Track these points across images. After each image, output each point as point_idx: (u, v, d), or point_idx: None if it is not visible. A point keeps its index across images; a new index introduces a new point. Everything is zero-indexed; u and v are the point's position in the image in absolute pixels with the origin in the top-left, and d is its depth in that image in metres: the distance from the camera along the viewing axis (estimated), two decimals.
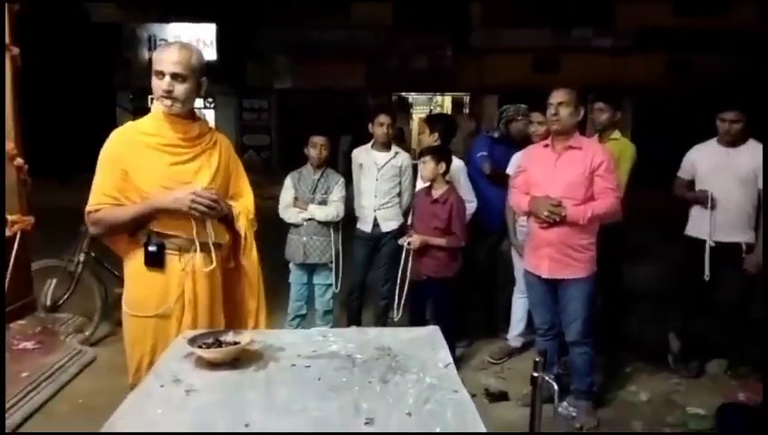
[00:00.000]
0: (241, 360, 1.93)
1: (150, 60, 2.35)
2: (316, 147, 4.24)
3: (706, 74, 14.93)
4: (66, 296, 4.45)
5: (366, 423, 1.53)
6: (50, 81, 12.86)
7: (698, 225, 3.97)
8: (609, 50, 17.50)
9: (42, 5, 11.92)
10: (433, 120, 4.65)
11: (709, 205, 3.86)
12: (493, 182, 4.42)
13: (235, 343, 1.97)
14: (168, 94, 2.26)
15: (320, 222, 4.23)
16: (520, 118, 4.46)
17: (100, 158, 2.28)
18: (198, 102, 16.10)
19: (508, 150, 4.44)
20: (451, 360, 1.92)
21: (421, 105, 19.55)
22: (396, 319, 4.14)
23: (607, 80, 16.04)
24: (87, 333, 4.34)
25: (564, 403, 3.65)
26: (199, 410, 1.62)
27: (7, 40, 2.31)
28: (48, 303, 4.34)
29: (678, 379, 4.03)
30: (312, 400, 1.67)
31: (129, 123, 2.39)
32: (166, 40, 17.25)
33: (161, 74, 2.26)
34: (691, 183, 4.08)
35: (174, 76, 2.26)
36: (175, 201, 2.24)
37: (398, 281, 4.08)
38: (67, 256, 4.48)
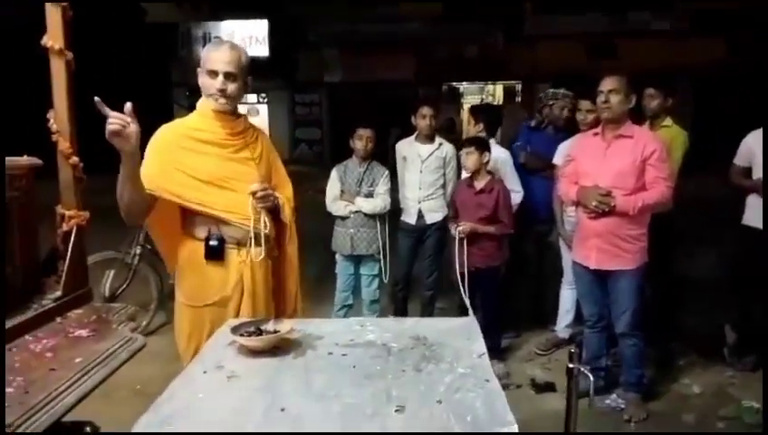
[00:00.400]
0: (281, 348, 1.99)
1: (200, 58, 2.42)
2: (362, 139, 4.27)
3: None
4: (124, 287, 4.68)
5: (396, 410, 1.56)
6: (108, 80, 13.38)
7: (757, 214, 3.82)
8: (668, 33, 16.89)
9: (99, 7, 12.42)
10: (477, 111, 4.63)
11: None
12: (531, 171, 4.37)
13: (276, 332, 2.04)
14: (222, 93, 2.37)
15: (366, 214, 4.27)
16: (551, 102, 4.39)
17: (148, 149, 2.35)
18: (252, 97, 16.53)
19: (546, 137, 4.39)
20: (485, 350, 1.94)
21: (472, 94, 19.38)
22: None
23: (665, 64, 15.51)
24: (144, 323, 4.56)
25: (613, 395, 3.61)
26: (238, 395, 1.69)
27: (62, 44, 2.43)
28: (107, 293, 4.58)
29: (733, 372, 3.91)
30: (347, 387, 1.72)
31: (178, 120, 2.48)
32: (219, 37, 17.66)
33: (214, 73, 2.36)
34: (748, 170, 3.92)
35: (227, 75, 2.37)
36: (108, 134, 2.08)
37: (458, 275, 3.85)
38: (124, 249, 4.71)
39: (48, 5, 2.49)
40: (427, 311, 4.53)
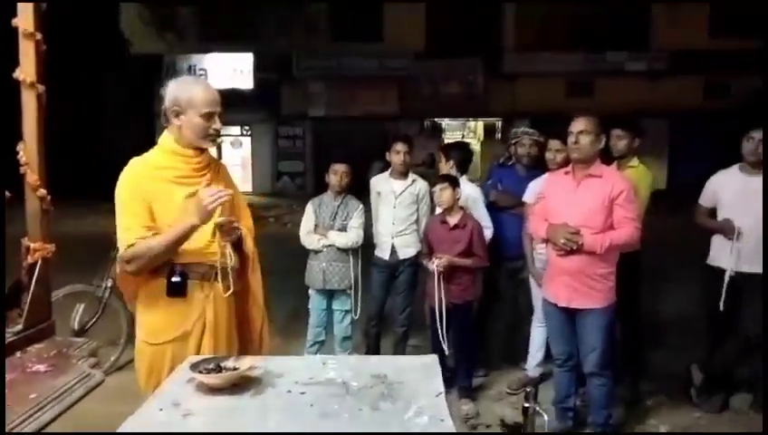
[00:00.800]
0: (240, 385, 1.98)
1: (176, 97, 2.34)
2: (337, 174, 4.31)
3: (745, 96, 14.65)
4: (93, 321, 4.61)
5: None
6: (91, 111, 13.43)
7: (720, 254, 3.89)
8: (645, 73, 17.36)
9: (83, 39, 12.51)
10: (448, 149, 4.70)
11: (735, 237, 3.78)
12: (501, 209, 4.43)
13: (235, 369, 2.03)
14: (218, 134, 2.40)
15: (339, 248, 4.29)
16: (514, 141, 4.50)
17: (119, 195, 2.30)
18: (236, 130, 16.64)
19: (516, 175, 4.47)
20: (443, 389, 1.94)
21: (454, 131, 19.66)
22: (447, 352, 3.98)
23: (642, 104, 15.91)
24: (113, 358, 4.48)
25: None
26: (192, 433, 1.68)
27: (34, 78, 2.46)
28: (76, 327, 4.50)
29: (700, 413, 3.91)
30: (302, 426, 1.72)
31: (138, 159, 2.39)
32: (205, 70, 17.84)
33: (210, 115, 2.35)
34: (712, 211, 4.01)
35: (219, 115, 2.39)
36: (197, 211, 2.25)
37: (437, 310, 3.95)
38: (95, 282, 4.65)
39: (22, 39, 2.54)
40: (400, 348, 4.52)
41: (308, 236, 4.36)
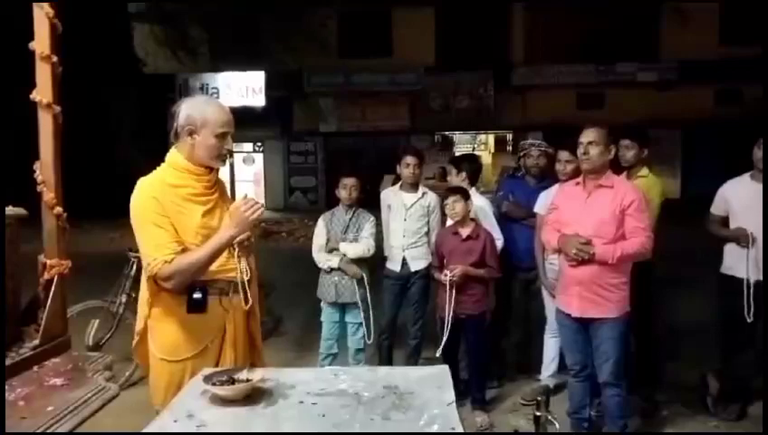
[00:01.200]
0: (252, 397, 2.01)
1: (190, 116, 2.36)
2: (346, 188, 4.34)
3: (756, 104, 14.55)
4: (108, 336, 4.66)
5: None
6: (105, 129, 13.64)
7: (735, 263, 3.86)
8: (655, 83, 17.31)
9: (98, 59, 12.72)
10: (459, 161, 4.72)
11: (750, 244, 3.76)
12: (513, 220, 4.45)
13: (248, 381, 2.05)
14: (230, 154, 2.43)
15: (352, 261, 4.31)
16: (523, 153, 4.55)
17: (141, 213, 2.29)
18: (248, 146, 16.74)
19: (527, 186, 4.50)
20: (453, 399, 1.95)
21: (465, 144, 19.69)
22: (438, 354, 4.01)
23: (653, 114, 15.87)
24: (128, 373, 4.52)
25: None
26: None
27: (50, 99, 2.52)
28: (90, 343, 4.55)
29: (717, 422, 3.88)
30: None
31: (150, 178, 2.38)
32: (217, 88, 18.06)
33: (225, 135, 2.39)
34: (724, 219, 3.99)
35: (232, 136, 2.42)
36: (238, 221, 2.29)
37: (445, 320, 3.95)
38: (110, 298, 4.71)
39: (38, 62, 2.61)
40: (412, 360, 4.52)
41: (319, 254, 4.40)
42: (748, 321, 3.70)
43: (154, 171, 2.41)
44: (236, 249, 2.43)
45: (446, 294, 3.91)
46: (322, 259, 4.36)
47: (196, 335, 2.39)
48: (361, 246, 4.30)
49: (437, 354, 4.01)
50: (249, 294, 2.45)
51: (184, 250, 2.28)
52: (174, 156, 2.40)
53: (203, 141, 2.35)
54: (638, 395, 3.97)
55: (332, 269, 4.33)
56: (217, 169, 2.49)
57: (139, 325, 2.41)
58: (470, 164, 4.59)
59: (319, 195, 19.25)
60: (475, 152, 18.91)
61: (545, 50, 17.28)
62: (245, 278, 2.45)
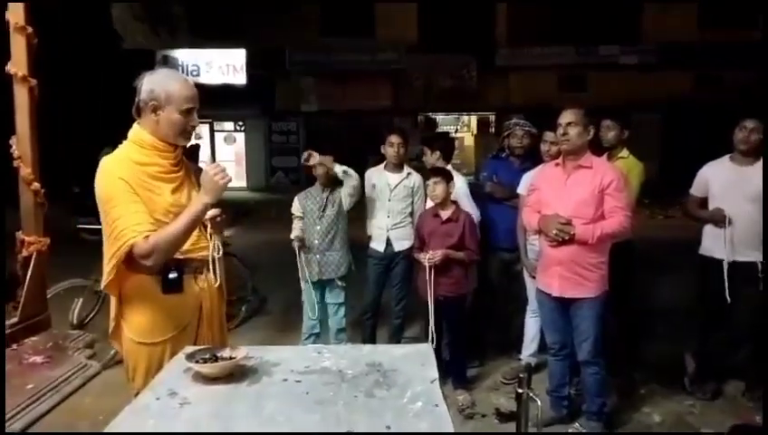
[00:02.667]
0: (236, 374, 2.00)
1: (153, 91, 2.26)
2: (322, 167, 4.33)
3: (737, 88, 14.70)
4: (92, 315, 4.62)
5: None
6: (83, 106, 13.39)
7: (713, 244, 3.92)
8: (636, 66, 17.41)
9: (75, 34, 12.43)
10: (431, 140, 4.71)
11: (726, 225, 3.81)
12: (496, 200, 4.46)
13: (231, 358, 2.04)
14: (194, 130, 2.37)
15: (332, 237, 4.35)
16: (507, 133, 4.54)
17: (109, 193, 2.20)
18: (229, 125, 16.55)
19: (511, 167, 4.50)
20: (437, 376, 1.96)
21: (448, 125, 19.65)
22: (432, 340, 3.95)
23: (634, 97, 15.96)
24: (112, 352, 4.50)
25: (576, 424, 3.64)
26: (189, 422, 1.69)
27: (26, 72, 2.46)
28: (74, 321, 4.52)
29: (693, 400, 3.96)
30: (298, 412, 1.73)
31: (116, 156, 2.30)
32: (197, 66, 17.79)
33: (190, 111, 2.31)
34: (704, 201, 4.04)
35: (196, 111, 2.35)
36: (210, 188, 2.23)
37: (429, 304, 3.94)
38: (93, 276, 4.66)
39: (13, 33, 2.53)
40: (396, 339, 4.54)
41: (294, 230, 4.45)
42: (728, 301, 3.77)
43: (117, 149, 2.32)
44: (208, 226, 2.39)
45: (426, 277, 3.92)
46: (293, 234, 4.43)
47: (174, 316, 2.35)
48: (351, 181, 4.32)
49: (432, 344, 3.95)
50: (219, 273, 2.42)
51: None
52: (138, 132, 2.31)
53: (167, 118, 2.28)
54: (616, 374, 4.03)
55: (312, 243, 4.35)
56: (182, 146, 2.41)
57: (112, 311, 2.36)
58: (442, 142, 4.59)
59: (301, 175, 19.09)
60: (457, 133, 18.95)
61: (528, 31, 17.24)
62: (216, 256, 2.42)
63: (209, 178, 2.23)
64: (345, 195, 4.36)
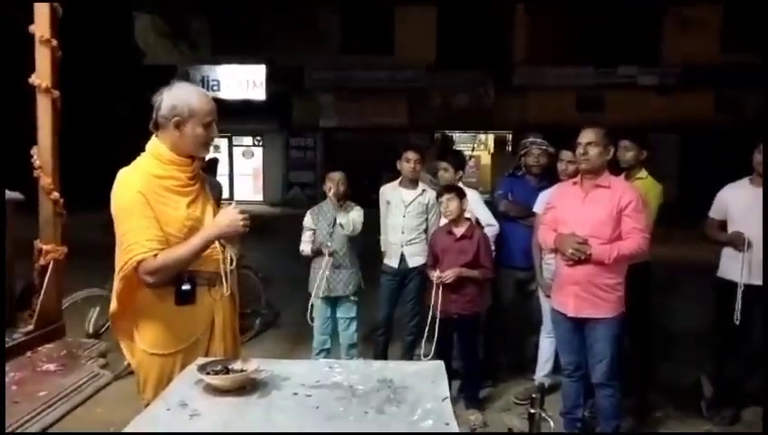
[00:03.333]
0: (246, 387, 2.00)
1: (175, 107, 2.28)
2: (333, 181, 4.34)
3: (757, 111, 14.54)
4: (108, 324, 4.65)
5: None
6: (105, 120, 13.61)
7: (730, 266, 3.87)
8: (655, 87, 17.31)
9: (98, 48, 12.66)
10: (443, 155, 4.72)
11: (745, 248, 3.76)
12: (511, 219, 4.44)
13: (242, 371, 2.04)
14: (213, 141, 2.40)
15: (341, 256, 4.34)
16: (524, 151, 4.52)
17: (123, 205, 2.23)
18: (248, 140, 16.65)
19: (527, 186, 4.48)
20: (448, 394, 1.94)
21: (464, 143, 19.67)
22: (428, 357, 3.96)
23: (653, 118, 15.87)
24: (125, 363, 4.53)
25: None
26: (198, 433, 1.69)
27: (49, 83, 2.50)
28: (90, 330, 4.56)
29: (710, 426, 3.88)
30: (308, 427, 1.73)
31: (133, 169, 2.32)
32: (218, 81, 18.02)
33: (211, 124, 2.35)
34: (723, 223, 3.99)
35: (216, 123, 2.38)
36: (229, 225, 2.30)
37: (429, 319, 3.98)
38: (109, 286, 4.69)
39: (38, 45, 2.59)
40: (408, 356, 4.51)
41: (305, 245, 4.45)
42: (736, 323, 3.72)
43: (135, 161, 2.35)
44: (224, 240, 2.39)
45: (434, 295, 3.90)
46: (303, 245, 4.42)
47: (186, 327, 2.36)
48: (349, 218, 4.34)
49: (428, 355, 3.96)
50: (231, 284, 2.42)
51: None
52: (157, 146, 2.33)
53: (191, 132, 2.30)
54: (631, 397, 3.97)
55: (322, 260, 4.33)
56: (200, 159, 2.44)
57: (112, 308, 2.37)
58: (453, 157, 4.60)
59: (317, 190, 19.15)
60: (474, 152, 18.95)
61: (546, 51, 17.24)
62: (229, 268, 2.42)
63: (234, 219, 2.29)
64: (351, 223, 4.36)
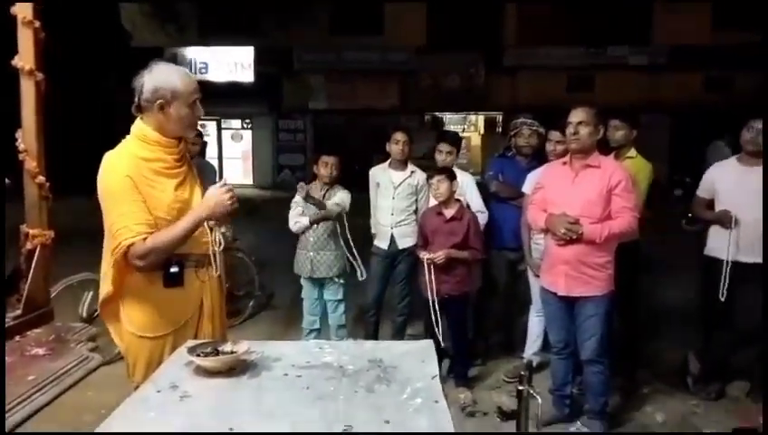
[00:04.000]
0: (237, 368, 2.00)
1: (158, 88, 2.25)
2: (327, 166, 4.36)
3: (748, 91, 14.54)
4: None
5: (344, 429, 1.59)
6: (92, 103, 13.46)
7: (718, 245, 3.90)
8: (646, 68, 17.30)
9: (84, 31, 12.49)
10: (443, 135, 4.70)
11: (732, 226, 3.79)
12: (502, 200, 4.45)
13: (232, 353, 2.05)
14: (200, 119, 2.37)
15: (327, 236, 4.38)
16: (514, 132, 4.52)
17: (111, 189, 2.20)
18: (236, 123, 16.52)
19: (517, 167, 4.48)
20: (437, 372, 1.96)
21: (455, 124, 19.62)
22: (441, 337, 3.98)
23: (642, 98, 15.88)
24: (117, 350, 4.54)
25: (577, 423, 3.62)
26: (189, 415, 1.70)
27: (33, 65, 2.47)
28: (84, 314, 4.56)
29: (697, 401, 3.94)
30: (298, 407, 1.74)
31: (120, 151, 2.28)
32: (206, 63, 17.84)
33: (195, 103, 2.32)
34: (710, 202, 4.02)
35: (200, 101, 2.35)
36: (216, 204, 2.26)
37: (430, 302, 3.99)
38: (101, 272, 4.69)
39: (21, 27, 2.55)
40: (398, 337, 4.54)
41: (292, 219, 4.44)
42: (721, 299, 3.76)
43: (120, 144, 2.32)
44: (213, 222, 2.38)
45: (426, 276, 3.92)
46: (294, 220, 4.42)
47: (175, 310, 2.36)
48: (335, 200, 4.38)
49: (440, 337, 3.98)
50: (219, 265, 2.42)
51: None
52: (142, 129, 2.29)
53: (176, 113, 2.28)
54: (619, 374, 4.02)
55: (308, 241, 4.38)
56: (186, 140, 2.42)
57: (102, 295, 2.35)
58: (453, 138, 4.60)
59: (307, 173, 19.11)
60: (464, 133, 18.91)
61: (537, 31, 17.16)
62: (218, 249, 2.41)
63: (220, 199, 2.25)
64: (339, 198, 4.40)
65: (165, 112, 2.27)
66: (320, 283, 4.43)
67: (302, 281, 4.47)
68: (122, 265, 2.24)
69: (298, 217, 4.41)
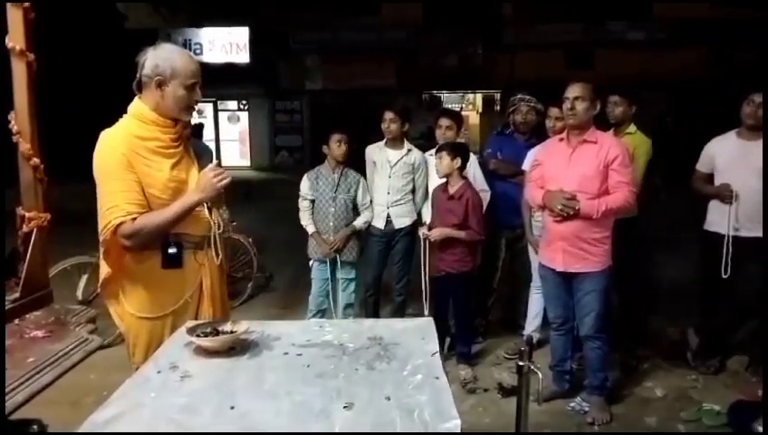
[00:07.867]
0: (237, 348, 2.01)
1: (158, 67, 2.24)
2: (338, 143, 4.29)
3: (750, 67, 14.40)
4: (97, 292, 4.66)
5: (344, 407, 1.59)
6: (86, 85, 13.35)
7: (717, 219, 3.90)
8: (645, 43, 17.14)
9: (79, 12, 12.35)
10: (447, 114, 4.67)
11: (732, 200, 3.78)
12: (501, 177, 4.43)
13: (232, 332, 2.05)
14: (197, 105, 2.36)
15: (342, 221, 4.35)
16: (513, 108, 4.50)
17: (105, 167, 2.21)
18: (233, 105, 16.39)
19: (516, 144, 4.46)
20: (437, 349, 1.96)
21: (453, 103, 19.50)
22: (427, 313, 4.04)
23: (642, 74, 15.75)
24: (118, 331, 4.54)
25: (577, 398, 3.65)
26: (189, 394, 1.70)
27: (23, 46, 2.43)
28: (80, 297, 4.56)
29: (696, 375, 3.97)
30: (298, 385, 1.74)
31: (115, 130, 2.28)
32: (200, 44, 17.68)
33: (194, 86, 2.31)
34: (710, 176, 4.00)
35: (199, 86, 2.34)
36: (206, 185, 2.26)
37: (423, 277, 4.08)
38: (98, 253, 4.68)
39: (9, 6, 2.50)
40: (398, 316, 4.54)
41: (304, 214, 4.41)
42: (723, 276, 3.76)
43: (117, 123, 2.32)
44: (210, 203, 2.38)
45: (424, 253, 3.92)
46: (304, 222, 4.39)
47: (174, 291, 2.36)
48: (367, 216, 4.42)
49: (426, 313, 4.04)
50: (220, 247, 2.42)
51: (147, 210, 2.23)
52: (139, 107, 2.30)
53: (172, 93, 2.27)
54: (619, 349, 4.04)
55: (326, 225, 4.36)
56: (183, 121, 2.39)
57: (102, 275, 2.37)
58: (455, 115, 4.58)
59: (305, 154, 19.05)
60: (462, 112, 18.80)
61: (535, 9, 16.99)
62: (217, 231, 2.41)
63: (208, 180, 2.26)
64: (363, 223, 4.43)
65: (162, 90, 2.27)
66: (332, 263, 4.38)
67: (313, 263, 4.43)
68: (112, 243, 2.24)
69: (308, 220, 4.39)
